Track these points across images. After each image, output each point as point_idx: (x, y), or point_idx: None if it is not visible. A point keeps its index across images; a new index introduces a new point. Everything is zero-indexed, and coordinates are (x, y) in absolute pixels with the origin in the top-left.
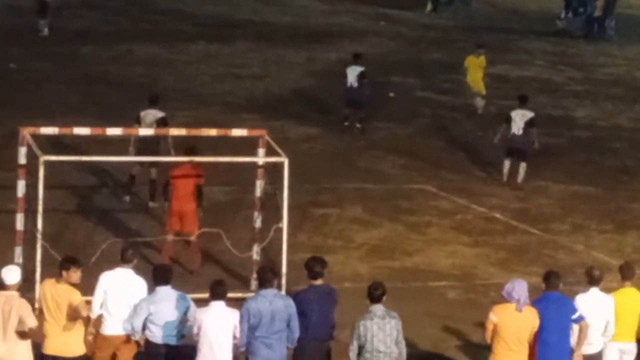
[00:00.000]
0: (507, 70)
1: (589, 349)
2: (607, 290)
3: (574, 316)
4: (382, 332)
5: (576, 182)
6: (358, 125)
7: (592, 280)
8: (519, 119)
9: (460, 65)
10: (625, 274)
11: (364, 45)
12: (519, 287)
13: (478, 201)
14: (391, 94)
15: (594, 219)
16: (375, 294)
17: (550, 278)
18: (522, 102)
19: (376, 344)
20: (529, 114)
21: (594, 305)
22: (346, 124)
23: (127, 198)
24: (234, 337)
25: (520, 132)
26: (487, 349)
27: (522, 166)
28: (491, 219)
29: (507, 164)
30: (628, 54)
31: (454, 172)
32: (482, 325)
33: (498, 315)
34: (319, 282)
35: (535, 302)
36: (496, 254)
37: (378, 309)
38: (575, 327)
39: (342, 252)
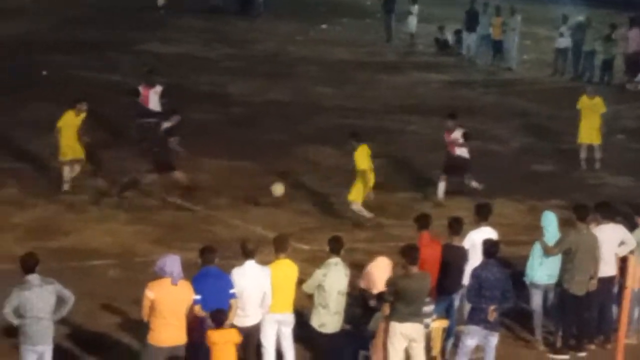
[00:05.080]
0: (159, 47)
1: (246, 320)
2: (265, 263)
3: (231, 291)
4: (41, 300)
5: (232, 157)
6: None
7: (246, 253)
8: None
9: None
10: (279, 246)
11: (15, 22)
12: (171, 262)
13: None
14: (44, 72)
15: (250, 193)
16: (27, 264)
17: (205, 253)
18: (453, 119)
19: (36, 312)
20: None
21: (250, 278)
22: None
23: None
24: None
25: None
26: (146, 325)
27: (468, 177)
28: (148, 195)
29: (443, 184)
30: (279, 30)
31: (109, 151)
32: (140, 303)
33: (154, 291)
34: None
35: (194, 279)
36: (154, 230)
37: (34, 278)
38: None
39: None
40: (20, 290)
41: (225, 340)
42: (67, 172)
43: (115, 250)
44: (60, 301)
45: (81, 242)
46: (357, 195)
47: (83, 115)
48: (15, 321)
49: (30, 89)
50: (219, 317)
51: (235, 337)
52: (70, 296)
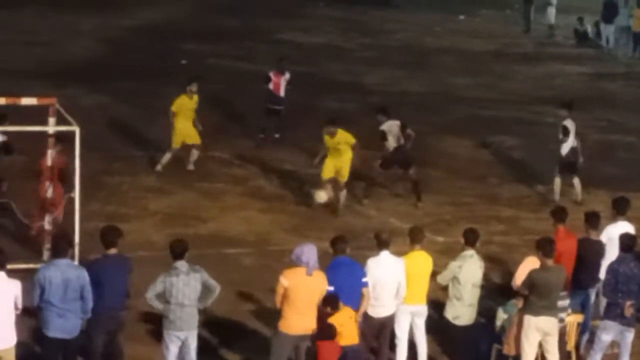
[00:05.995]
0: (296, 36)
1: (381, 311)
2: (399, 254)
3: (363, 280)
4: (187, 287)
5: (369, 146)
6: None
7: (381, 243)
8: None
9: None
10: (415, 237)
11: (158, 10)
12: (308, 251)
13: (271, 167)
14: (183, 61)
15: (386, 184)
16: (177, 250)
17: (336, 243)
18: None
19: (181, 299)
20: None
21: (384, 268)
22: None
23: None
24: (16, 308)
25: (577, 144)
26: (278, 312)
27: (577, 181)
28: (284, 185)
29: (558, 181)
30: (416, 21)
31: (246, 139)
32: (275, 290)
33: (288, 279)
34: (112, 251)
35: (327, 269)
36: (290, 219)
37: (182, 264)
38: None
39: (136, 220)
40: (166, 277)
41: (348, 318)
42: (168, 157)
43: (250, 239)
44: (205, 289)
45: (217, 229)
46: None
47: (196, 97)
48: (158, 306)
49: (168, 77)
50: (335, 301)
51: (353, 313)
52: (216, 286)
